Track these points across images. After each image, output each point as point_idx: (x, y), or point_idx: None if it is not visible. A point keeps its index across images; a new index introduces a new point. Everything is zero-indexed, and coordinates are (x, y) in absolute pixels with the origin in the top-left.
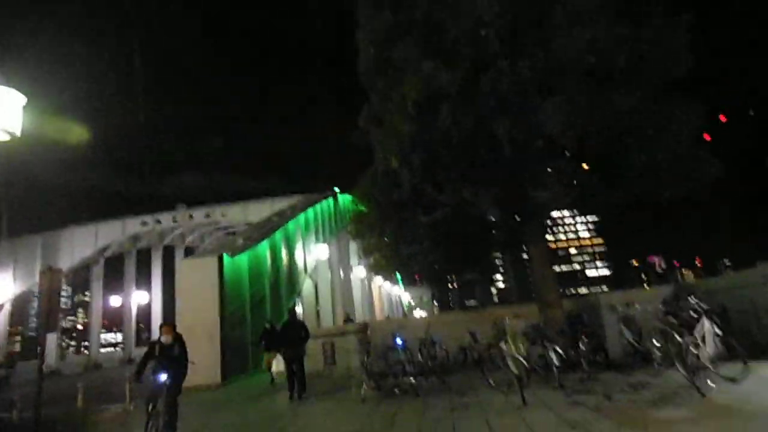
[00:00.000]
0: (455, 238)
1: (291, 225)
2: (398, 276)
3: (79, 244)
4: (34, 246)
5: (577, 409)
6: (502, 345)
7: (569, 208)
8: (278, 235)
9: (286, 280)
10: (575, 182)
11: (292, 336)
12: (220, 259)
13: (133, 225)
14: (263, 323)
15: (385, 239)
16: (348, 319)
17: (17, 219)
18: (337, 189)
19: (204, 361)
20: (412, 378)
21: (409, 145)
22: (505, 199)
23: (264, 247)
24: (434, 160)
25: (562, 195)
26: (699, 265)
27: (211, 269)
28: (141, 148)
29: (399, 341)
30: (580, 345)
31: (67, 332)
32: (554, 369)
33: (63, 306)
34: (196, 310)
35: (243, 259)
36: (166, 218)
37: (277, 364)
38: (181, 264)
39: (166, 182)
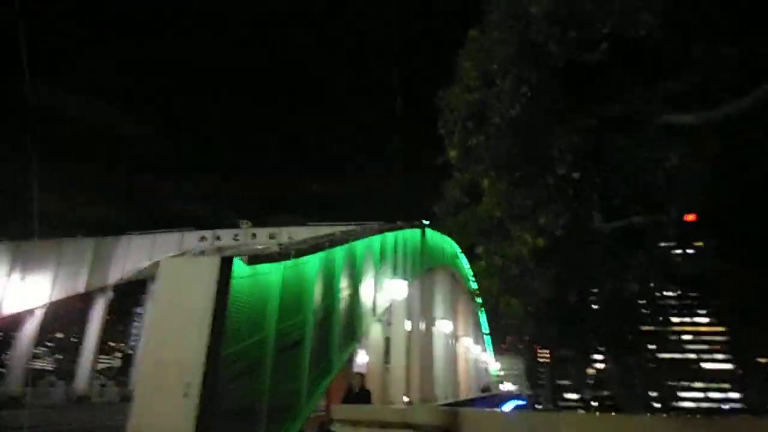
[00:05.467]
0: None
1: (360, 247)
2: (488, 340)
3: (133, 255)
4: (83, 250)
5: None
6: None
7: None
8: (339, 253)
9: (342, 320)
10: None
11: None
12: (226, 263)
13: (191, 239)
14: (293, 379)
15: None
16: (360, 391)
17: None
18: (426, 222)
19: (168, 431)
20: None
21: None
22: None
23: (313, 265)
24: None
25: None
26: None
27: (206, 278)
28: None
29: None
30: None
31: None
32: None
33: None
34: (172, 341)
35: (272, 276)
36: (226, 235)
37: None
38: (163, 263)
39: (233, 203)
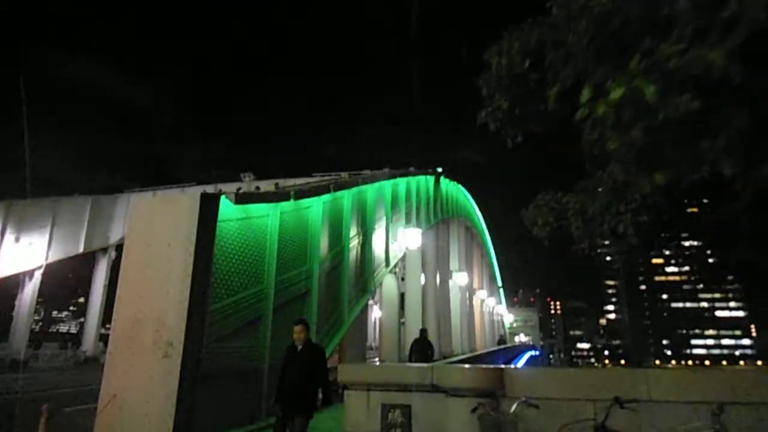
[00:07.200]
0: None
1: (370, 192)
2: (501, 293)
3: None
4: (81, 209)
5: None
6: None
7: None
8: (347, 198)
9: (353, 271)
10: None
11: (296, 370)
12: (209, 202)
13: None
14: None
15: None
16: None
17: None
18: (440, 169)
19: (145, 397)
20: None
21: None
22: None
23: (317, 210)
24: None
25: None
26: None
27: (186, 220)
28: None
29: None
30: None
31: None
32: None
33: None
34: (149, 295)
35: (269, 220)
36: (229, 188)
37: None
38: (134, 203)
39: (240, 153)
